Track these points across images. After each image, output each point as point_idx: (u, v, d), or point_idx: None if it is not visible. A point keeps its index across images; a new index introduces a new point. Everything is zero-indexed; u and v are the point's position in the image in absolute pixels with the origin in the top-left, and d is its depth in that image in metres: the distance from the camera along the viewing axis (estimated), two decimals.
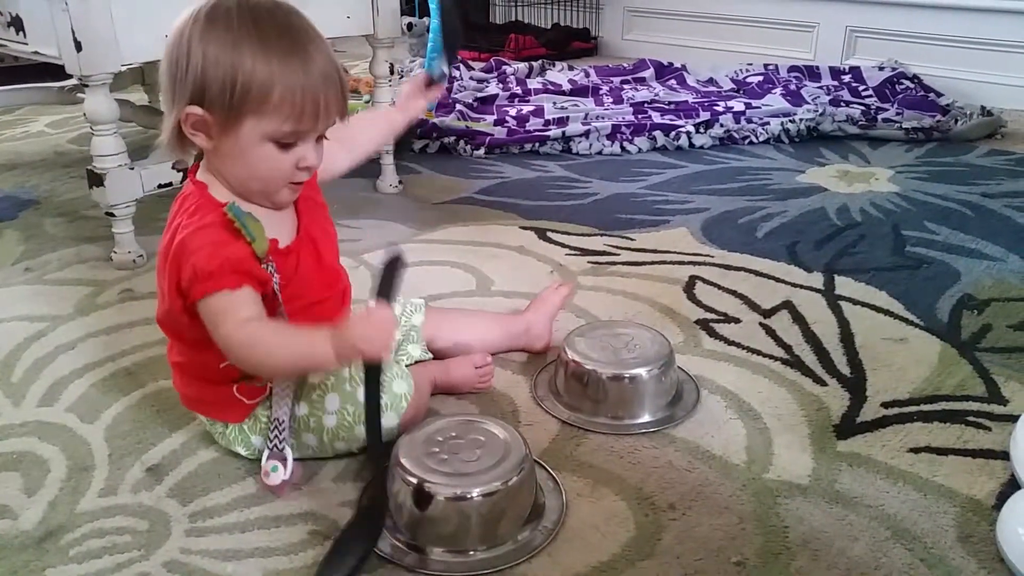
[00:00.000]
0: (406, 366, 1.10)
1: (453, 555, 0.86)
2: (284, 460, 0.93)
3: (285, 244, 0.94)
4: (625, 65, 3.17)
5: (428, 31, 2.29)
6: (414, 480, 0.86)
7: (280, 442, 0.94)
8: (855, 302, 1.38)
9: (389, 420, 0.96)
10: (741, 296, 1.42)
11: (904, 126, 2.36)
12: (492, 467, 0.88)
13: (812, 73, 2.89)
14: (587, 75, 3.03)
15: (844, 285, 1.45)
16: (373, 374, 0.87)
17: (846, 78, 2.81)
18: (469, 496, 0.85)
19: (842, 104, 2.55)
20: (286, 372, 0.93)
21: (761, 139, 2.37)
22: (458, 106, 2.54)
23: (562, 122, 2.41)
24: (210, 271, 0.85)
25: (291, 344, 0.87)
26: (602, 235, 1.69)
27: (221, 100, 0.84)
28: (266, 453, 0.94)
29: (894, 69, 2.81)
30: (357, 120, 1.07)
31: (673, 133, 2.34)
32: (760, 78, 2.89)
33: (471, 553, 0.86)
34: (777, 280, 1.47)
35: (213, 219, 0.88)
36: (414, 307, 1.18)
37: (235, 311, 0.86)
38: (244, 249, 0.87)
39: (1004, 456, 0.99)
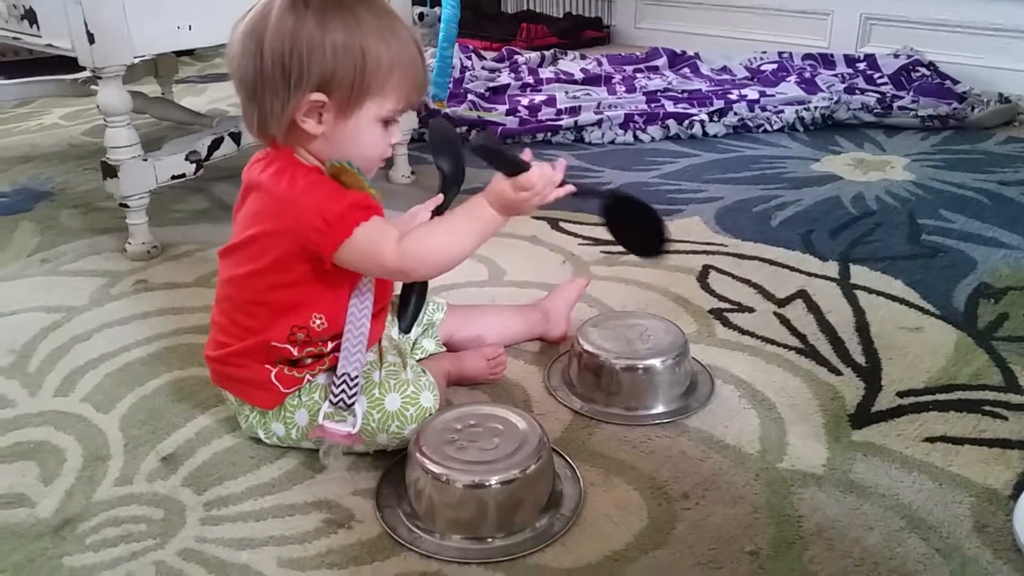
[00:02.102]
0: (420, 359, 1.11)
1: (471, 542, 0.86)
2: (354, 413, 0.94)
3: None
4: (638, 54, 3.16)
5: (439, 21, 2.28)
6: (433, 468, 0.86)
7: (349, 397, 0.93)
8: (870, 291, 1.38)
9: (412, 432, 0.95)
10: (755, 285, 1.41)
11: (920, 114, 2.34)
12: (510, 455, 0.88)
13: (827, 61, 2.86)
14: (600, 64, 3.02)
15: (859, 274, 1.44)
16: None
17: (861, 66, 2.78)
18: (487, 484, 0.85)
19: (857, 92, 2.53)
20: (476, 246, 0.94)
21: (775, 127, 2.35)
22: (470, 96, 2.53)
23: (574, 111, 2.40)
24: (339, 213, 0.87)
25: (460, 230, 0.92)
26: None
27: (349, 84, 0.86)
28: (325, 406, 0.94)
29: (909, 56, 2.78)
30: None
31: (687, 122, 2.33)
32: (774, 66, 2.86)
33: (489, 540, 0.86)
34: (792, 269, 1.47)
35: (317, 176, 0.90)
36: (436, 306, 1.18)
37: (382, 237, 0.89)
38: (360, 192, 0.90)
39: (1020, 446, 0.98)
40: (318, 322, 0.94)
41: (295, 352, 0.96)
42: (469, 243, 0.93)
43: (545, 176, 0.91)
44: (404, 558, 0.85)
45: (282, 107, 0.87)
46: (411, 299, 1.06)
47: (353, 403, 0.94)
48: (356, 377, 0.94)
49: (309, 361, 0.97)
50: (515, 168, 0.91)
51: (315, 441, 0.96)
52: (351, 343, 0.94)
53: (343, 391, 0.93)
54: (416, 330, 1.16)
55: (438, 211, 1.05)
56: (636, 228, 1.06)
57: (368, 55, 0.86)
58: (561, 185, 0.94)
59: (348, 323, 0.95)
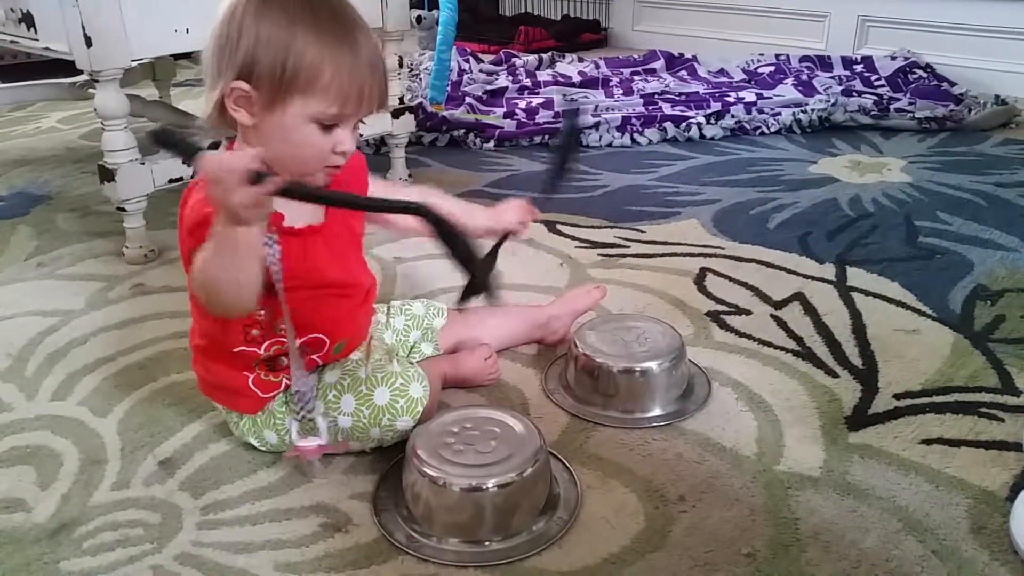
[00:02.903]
0: (417, 361, 1.11)
1: (468, 545, 0.86)
2: (318, 424, 0.94)
3: (297, 225, 0.92)
4: (635, 56, 3.16)
5: (437, 24, 2.29)
6: (430, 471, 0.86)
7: (308, 412, 0.94)
8: (867, 293, 1.38)
9: (404, 424, 0.96)
10: (752, 288, 1.41)
11: (917, 116, 2.34)
12: (507, 458, 0.88)
13: (824, 63, 2.87)
14: (597, 67, 3.02)
15: (856, 276, 1.44)
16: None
17: (858, 68, 2.79)
18: (484, 487, 0.85)
19: (854, 94, 2.53)
20: (235, 278, 0.82)
21: (772, 130, 2.35)
22: (468, 99, 2.54)
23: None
24: (195, 223, 0.86)
25: (206, 254, 0.82)
26: (612, 227, 1.69)
27: (270, 77, 0.85)
28: (295, 426, 0.95)
29: (907, 58, 2.79)
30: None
31: (684, 124, 2.33)
32: (772, 68, 2.87)
33: (486, 544, 0.86)
34: (789, 271, 1.47)
35: None
36: (436, 311, 1.18)
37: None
38: None
39: (1017, 447, 0.98)
40: (263, 313, 0.93)
41: (261, 351, 0.96)
42: (214, 265, 0.81)
43: (221, 164, 0.75)
44: (401, 562, 0.85)
45: (210, 89, 0.88)
46: (476, 270, 0.88)
47: (313, 416, 0.94)
48: (306, 393, 0.94)
49: (284, 362, 0.97)
50: (186, 154, 0.79)
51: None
52: (295, 362, 0.94)
53: (302, 408, 0.94)
54: (415, 334, 1.16)
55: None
56: (460, 261, 0.83)
57: (292, 51, 0.84)
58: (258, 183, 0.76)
59: (288, 344, 0.94)
